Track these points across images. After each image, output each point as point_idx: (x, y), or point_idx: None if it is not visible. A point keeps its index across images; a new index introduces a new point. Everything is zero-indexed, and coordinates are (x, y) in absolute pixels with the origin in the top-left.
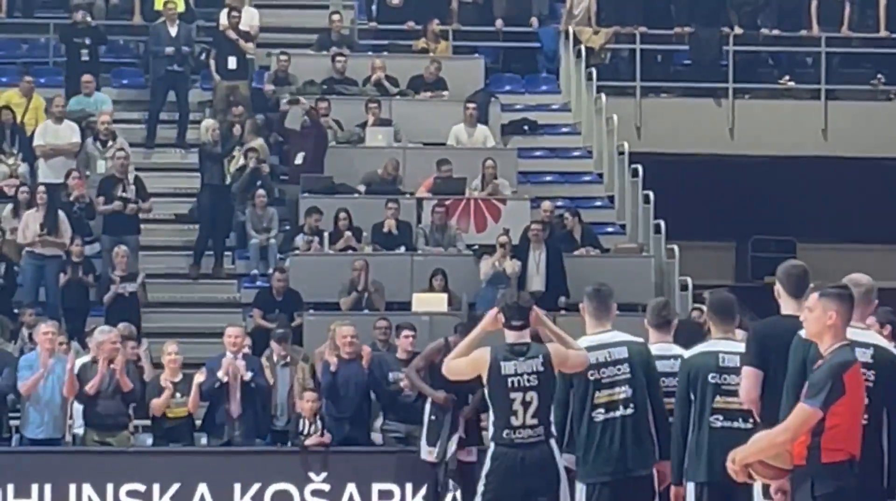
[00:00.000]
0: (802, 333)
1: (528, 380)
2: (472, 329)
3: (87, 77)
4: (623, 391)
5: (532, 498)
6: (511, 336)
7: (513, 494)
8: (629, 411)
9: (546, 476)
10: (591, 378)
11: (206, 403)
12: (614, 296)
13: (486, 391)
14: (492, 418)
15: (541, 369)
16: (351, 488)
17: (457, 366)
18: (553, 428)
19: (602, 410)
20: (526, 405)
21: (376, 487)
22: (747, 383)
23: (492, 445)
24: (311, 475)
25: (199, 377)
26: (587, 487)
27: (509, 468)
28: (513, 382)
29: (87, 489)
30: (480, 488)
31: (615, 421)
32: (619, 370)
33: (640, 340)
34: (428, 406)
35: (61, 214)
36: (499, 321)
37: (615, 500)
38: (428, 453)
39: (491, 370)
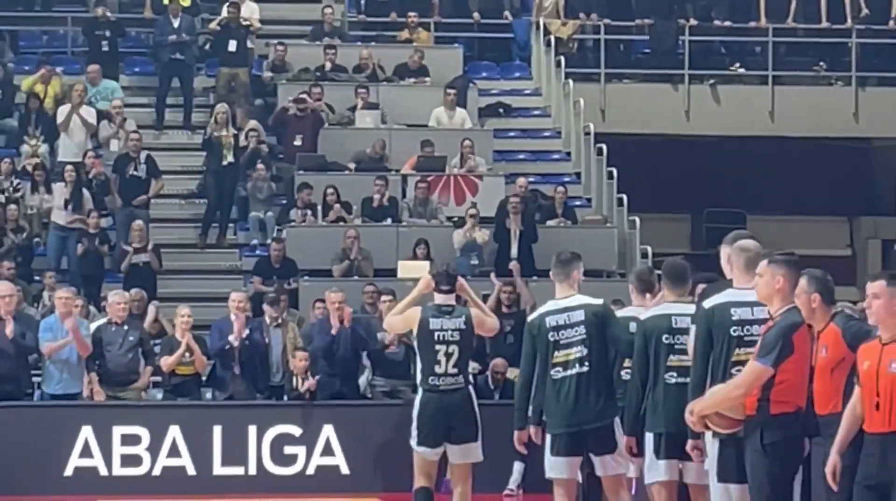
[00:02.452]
0: (706, 303)
1: (451, 335)
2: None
3: (93, 67)
4: (578, 351)
5: (454, 435)
6: (439, 298)
7: (438, 432)
8: (584, 368)
9: (465, 417)
10: (551, 340)
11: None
12: (577, 263)
13: (415, 344)
14: (419, 367)
15: (462, 327)
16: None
17: (394, 321)
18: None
19: (560, 368)
20: (448, 356)
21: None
22: (694, 341)
23: (420, 391)
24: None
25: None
26: (551, 437)
27: (435, 410)
28: (438, 336)
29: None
30: (413, 430)
31: (570, 379)
32: (575, 331)
33: (600, 302)
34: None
35: (85, 191)
36: (430, 285)
37: (573, 449)
38: None
39: (421, 325)
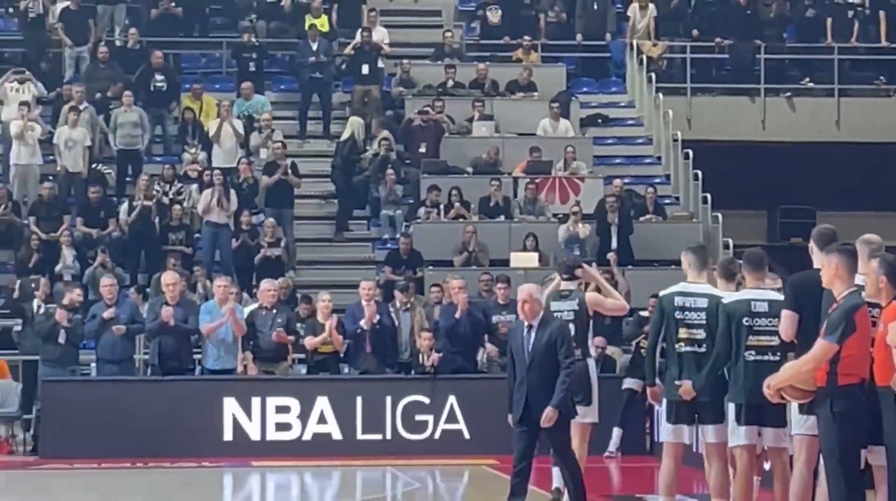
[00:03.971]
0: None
1: (567, 315)
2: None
3: (246, 84)
4: (698, 333)
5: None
6: (563, 285)
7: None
8: (702, 349)
9: (582, 383)
10: (677, 317)
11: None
12: (706, 256)
13: None
14: None
15: (576, 308)
16: (452, 401)
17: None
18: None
19: (683, 344)
20: None
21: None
22: (785, 323)
23: None
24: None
25: (333, 321)
26: (667, 403)
27: None
28: (557, 316)
29: (255, 404)
30: None
31: (689, 355)
32: (697, 315)
33: (720, 293)
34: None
35: (232, 191)
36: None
37: (684, 417)
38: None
39: (545, 308)
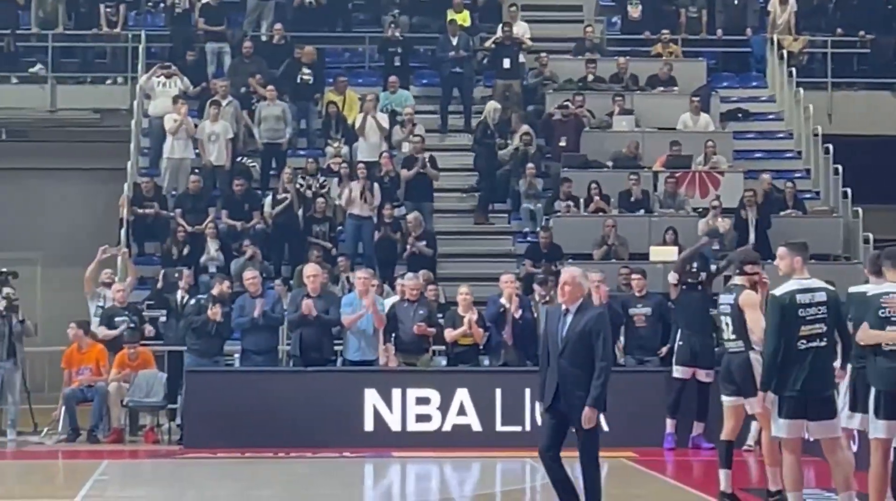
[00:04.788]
0: None
1: (724, 309)
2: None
3: (392, 78)
4: (819, 328)
5: (742, 389)
6: (735, 279)
7: (726, 386)
8: (822, 344)
9: (746, 375)
10: (800, 315)
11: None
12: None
13: None
14: None
15: (732, 302)
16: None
17: None
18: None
19: (804, 341)
20: (727, 326)
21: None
22: None
23: None
24: None
25: (473, 314)
26: (779, 399)
27: (725, 367)
28: (721, 309)
29: (396, 395)
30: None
31: (810, 351)
32: (818, 310)
33: (833, 287)
34: (678, 333)
35: (375, 184)
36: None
37: (798, 412)
38: (678, 371)
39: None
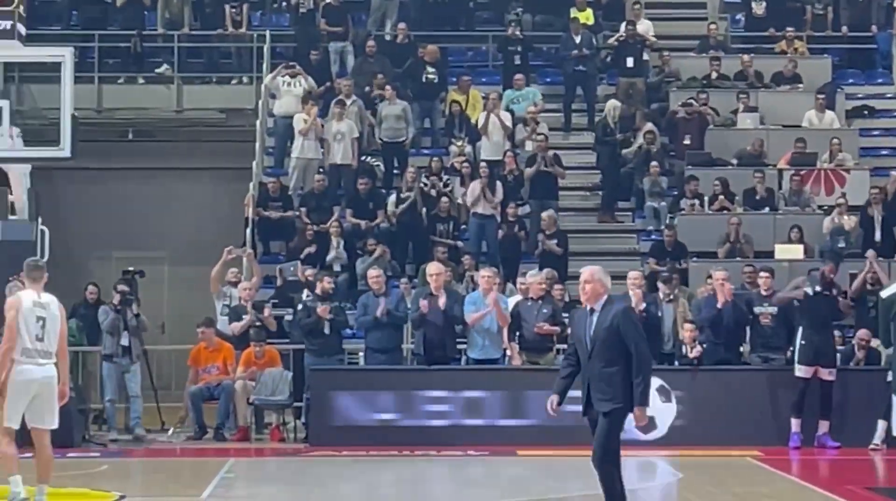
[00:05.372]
0: None
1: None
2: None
3: (518, 76)
4: None
5: None
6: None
7: None
8: None
9: None
10: None
11: None
12: None
13: None
14: None
15: None
16: (724, 393)
17: None
18: None
19: None
20: None
21: (746, 394)
22: None
23: None
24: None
25: None
26: None
27: None
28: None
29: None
30: None
31: None
32: None
33: None
34: (800, 333)
35: (497, 183)
36: None
37: None
38: (800, 370)
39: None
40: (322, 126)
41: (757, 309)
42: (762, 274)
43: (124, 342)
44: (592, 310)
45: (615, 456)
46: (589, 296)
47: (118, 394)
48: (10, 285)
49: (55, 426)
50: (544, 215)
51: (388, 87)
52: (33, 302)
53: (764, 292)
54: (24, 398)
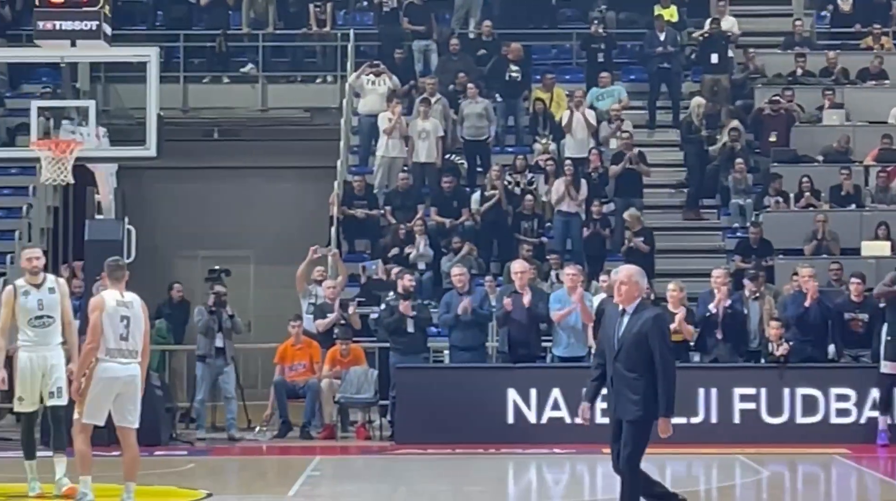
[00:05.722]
0: None
1: None
2: None
3: (604, 74)
4: None
5: None
6: None
7: None
8: None
9: None
10: None
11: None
12: None
13: None
14: None
15: None
16: (811, 391)
17: None
18: None
19: None
20: None
21: (833, 391)
22: None
23: None
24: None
25: (682, 312)
26: None
27: None
28: None
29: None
30: None
31: None
32: None
33: None
34: (885, 329)
35: (582, 181)
36: None
37: None
38: (885, 366)
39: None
40: (406, 125)
41: (848, 316)
42: (853, 280)
43: (219, 343)
44: (624, 311)
45: (638, 463)
46: (624, 297)
47: (208, 394)
48: (96, 284)
49: (137, 425)
50: (626, 214)
51: (470, 85)
52: (117, 302)
53: (855, 299)
54: (107, 397)
